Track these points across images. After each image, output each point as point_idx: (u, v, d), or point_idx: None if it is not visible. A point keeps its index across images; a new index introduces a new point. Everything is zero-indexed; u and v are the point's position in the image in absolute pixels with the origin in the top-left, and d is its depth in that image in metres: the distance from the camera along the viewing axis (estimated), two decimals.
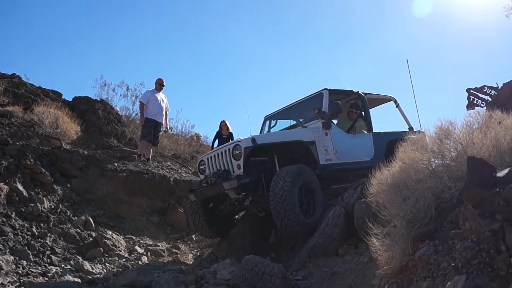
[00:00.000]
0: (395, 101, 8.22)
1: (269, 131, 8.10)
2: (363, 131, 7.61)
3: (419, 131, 7.90)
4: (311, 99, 7.35)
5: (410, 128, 8.13)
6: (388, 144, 7.36)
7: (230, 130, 10.60)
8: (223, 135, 10.46)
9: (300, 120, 7.42)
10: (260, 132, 8.22)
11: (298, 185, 5.79)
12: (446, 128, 3.40)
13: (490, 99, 10.34)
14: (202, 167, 6.78)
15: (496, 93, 10.32)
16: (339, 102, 7.13)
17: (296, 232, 5.70)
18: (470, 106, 10.53)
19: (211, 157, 6.60)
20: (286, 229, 5.68)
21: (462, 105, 10.85)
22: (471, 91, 10.67)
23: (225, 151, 6.32)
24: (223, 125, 10.58)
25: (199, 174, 6.92)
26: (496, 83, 10.58)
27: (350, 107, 7.87)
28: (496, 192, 2.08)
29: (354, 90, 7.66)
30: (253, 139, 6.12)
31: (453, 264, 2.21)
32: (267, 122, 8.27)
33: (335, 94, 7.38)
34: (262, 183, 6.25)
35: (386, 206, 3.49)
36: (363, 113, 7.72)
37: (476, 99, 10.58)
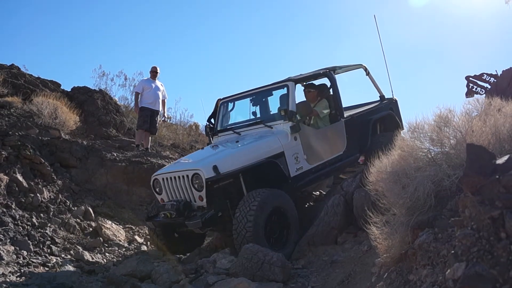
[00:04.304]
0: (365, 69, 7.66)
1: (227, 115, 7.27)
2: (326, 111, 6.84)
3: (392, 99, 7.82)
4: (274, 89, 6.71)
5: (382, 96, 7.82)
6: (361, 126, 6.93)
7: None
8: None
9: (262, 113, 6.84)
10: (217, 116, 7.33)
11: (266, 213, 5.18)
12: (445, 116, 3.39)
13: (489, 87, 10.28)
14: (158, 187, 5.96)
15: (495, 80, 10.26)
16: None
17: None
18: (469, 93, 10.46)
19: (167, 178, 5.77)
20: None
21: (461, 93, 10.81)
22: (470, 78, 10.59)
23: (183, 177, 5.55)
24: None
25: (155, 193, 6.12)
26: (496, 70, 10.50)
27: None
28: (496, 179, 2.07)
29: (321, 71, 6.98)
30: (214, 166, 5.34)
31: (452, 251, 2.21)
32: (222, 106, 7.29)
33: (301, 81, 6.88)
34: (229, 209, 5.50)
35: (385, 194, 3.49)
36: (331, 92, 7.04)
37: (475, 87, 10.52)
